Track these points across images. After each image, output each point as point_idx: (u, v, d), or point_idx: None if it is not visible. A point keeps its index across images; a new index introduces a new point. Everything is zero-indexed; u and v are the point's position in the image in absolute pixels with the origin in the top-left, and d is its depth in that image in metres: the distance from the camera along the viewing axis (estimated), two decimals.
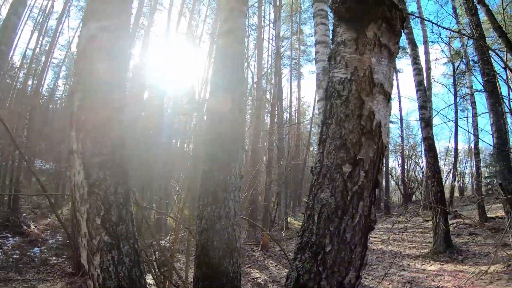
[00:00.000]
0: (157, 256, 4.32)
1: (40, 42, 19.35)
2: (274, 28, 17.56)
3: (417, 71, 9.60)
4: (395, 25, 1.61)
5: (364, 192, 1.38)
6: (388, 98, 1.49)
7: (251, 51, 21.39)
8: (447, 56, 15.10)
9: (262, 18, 19.12)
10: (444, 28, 6.95)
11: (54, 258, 9.88)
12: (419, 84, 9.40)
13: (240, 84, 3.08)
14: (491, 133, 6.98)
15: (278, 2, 17.00)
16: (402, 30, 1.71)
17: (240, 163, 2.74)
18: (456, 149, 18.82)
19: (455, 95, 16.95)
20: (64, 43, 24.57)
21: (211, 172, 2.63)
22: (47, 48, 18.83)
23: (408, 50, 10.33)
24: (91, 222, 1.74)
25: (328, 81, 1.54)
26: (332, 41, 1.63)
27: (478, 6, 6.45)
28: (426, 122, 8.81)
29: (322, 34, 6.00)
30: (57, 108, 27.12)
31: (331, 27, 1.81)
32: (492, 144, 7.12)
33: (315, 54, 6.06)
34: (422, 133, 9.00)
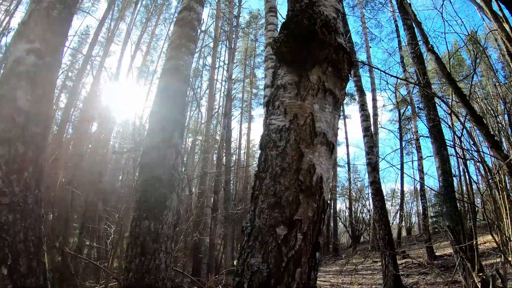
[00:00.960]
0: None
1: None
2: (227, 70, 17.77)
3: (364, 117, 9.90)
4: (342, 69, 1.49)
5: (302, 258, 1.17)
6: (331, 149, 1.34)
7: (204, 91, 21.49)
8: (393, 103, 15.90)
9: (217, 59, 19.33)
10: (392, 76, 7.28)
11: None
12: (366, 130, 9.67)
13: (178, 126, 2.89)
14: (437, 176, 7.21)
15: (233, 45, 17.30)
16: (349, 75, 1.60)
17: (174, 210, 2.47)
18: (402, 191, 19.54)
19: (401, 140, 17.75)
20: None
21: (141, 219, 2.34)
22: None
23: (356, 97, 10.71)
24: None
25: (265, 129, 1.36)
26: (271, 84, 1.47)
27: (427, 54, 6.84)
28: (373, 167, 8.98)
29: (270, 79, 6.01)
30: None
31: None
32: (438, 185, 7.33)
33: (264, 98, 6.04)
34: (369, 177, 9.13)
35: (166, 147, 2.60)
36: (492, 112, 8.62)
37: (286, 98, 1.34)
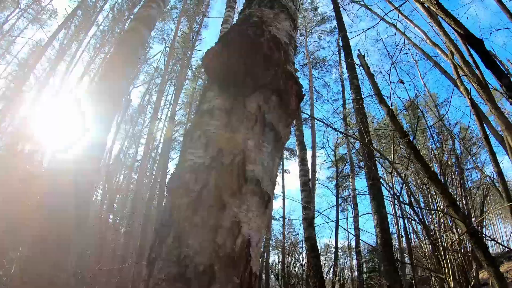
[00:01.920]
0: None
1: None
2: (171, 110, 17.37)
3: (304, 172, 9.88)
4: (289, 102, 1.20)
5: None
6: (266, 202, 0.99)
7: (145, 127, 20.75)
8: (332, 161, 16.35)
9: (163, 99, 18.87)
10: (336, 130, 7.34)
11: None
12: (304, 184, 9.61)
13: (102, 153, 2.43)
14: (375, 233, 7.13)
15: (179, 85, 17.05)
16: (297, 111, 1.31)
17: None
18: (336, 247, 19.63)
19: (337, 197, 18.15)
20: None
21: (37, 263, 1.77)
22: None
23: (297, 151, 10.79)
24: None
25: (176, 167, 0.99)
26: (196, 110, 1.13)
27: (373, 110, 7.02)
28: (309, 223, 8.78)
29: None
30: None
31: None
32: (375, 242, 7.23)
33: None
34: (304, 233, 8.90)
35: (93, 172, 2.12)
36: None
37: (211, 127, 0.99)
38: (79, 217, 2.10)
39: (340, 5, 11.13)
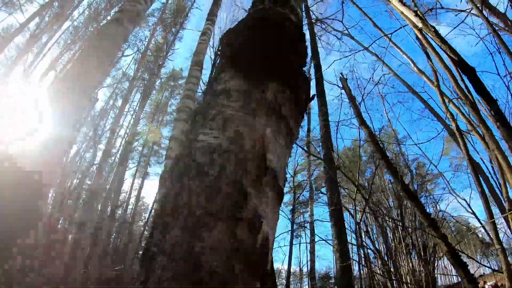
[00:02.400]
0: None
1: None
2: (133, 117, 16.82)
3: None
4: (301, 99, 1.10)
5: None
6: (280, 200, 0.87)
7: (105, 132, 19.90)
8: (290, 187, 16.64)
9: (128, 103, 18.25)
10: (307, 151, 7.34)
11: None
12: None
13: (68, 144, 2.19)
14: (334, 259, 7.13)
15: (146, 93, 16.66)
16: (305, 112, 1.21)
17: None
18: (289, 271, 19.60)
19: (292, 223, 18.30)
20: None
21: None
22: None
23: None
24: None
25: (183, 148, 0.85)
26: (205, 92, 1.00)
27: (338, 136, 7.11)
28: None
29: (180, 130, 5.56)
30: None
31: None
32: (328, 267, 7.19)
33: (167, 151, 5.50)
34: None
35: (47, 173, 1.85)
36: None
37: (228, 108, 0.86)
38: (35, 214, 1.84)
39: (317, 36, 11.21)
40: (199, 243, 0.64)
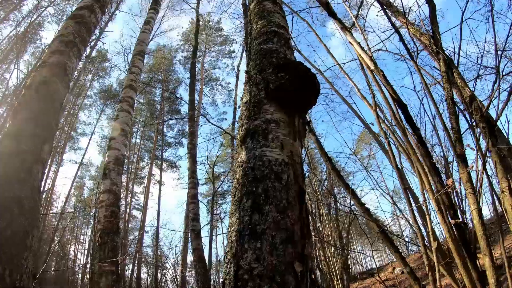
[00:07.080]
0: None
1: None
2: None
3: (193, 184, 10.12)
4: (303, 131, 1.56)
5: None
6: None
7: None
8: (210, 178, 17.03)
9: None
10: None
11: None
12: (193, 197, 9.85)
13: (50, 138, 2.31)
14: None
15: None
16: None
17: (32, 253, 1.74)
18: (210, 261, 19.95)
19: (212, 214, 18.78)
20: None
21: None
22: None
23: (188, 164, 10.91)
24: None
25: (250, 158, 1.28)
26: (253, 117, 1.38)
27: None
28: (197, 234, 9.03)
29: (124, 123, 5.50)
30: None
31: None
32: None
33: (110, 141, 5.31)
34: (192, 244, 9.09)
35: (33, 160, 1.95)
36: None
37: (280, 134, 1.33)
38: (34, 209, 1.92)
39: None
40: (289, 220, 1.11)
